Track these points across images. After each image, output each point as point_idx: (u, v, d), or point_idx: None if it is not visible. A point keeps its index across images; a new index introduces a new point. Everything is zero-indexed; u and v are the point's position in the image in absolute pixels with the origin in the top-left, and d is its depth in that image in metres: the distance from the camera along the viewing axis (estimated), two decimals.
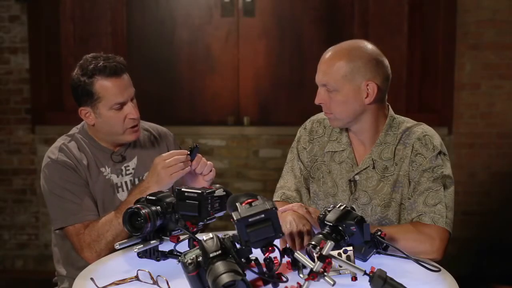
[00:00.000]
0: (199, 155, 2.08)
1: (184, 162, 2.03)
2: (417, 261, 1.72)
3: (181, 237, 1.82)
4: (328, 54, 2.02)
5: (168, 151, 2.33)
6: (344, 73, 1.97)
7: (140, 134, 2.23)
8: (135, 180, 2.24)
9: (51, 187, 2.14)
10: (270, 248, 1.54)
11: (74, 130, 2.27)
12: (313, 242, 1.63)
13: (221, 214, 1.85)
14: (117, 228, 2.03)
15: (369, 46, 2.02)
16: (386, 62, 2.03)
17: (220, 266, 1.45)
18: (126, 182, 2.24)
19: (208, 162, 2.11)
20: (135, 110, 2.16)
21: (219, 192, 1.83)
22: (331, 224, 1.68)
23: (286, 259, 1.67)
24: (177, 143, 2.41)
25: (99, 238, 2.05)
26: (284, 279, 1.60)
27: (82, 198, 2.12)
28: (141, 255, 1.83)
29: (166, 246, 1.82)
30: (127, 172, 2.24)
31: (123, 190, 2.22)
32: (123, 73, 2.15)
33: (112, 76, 2.12)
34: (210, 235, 1.52)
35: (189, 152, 2.05)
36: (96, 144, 2.22)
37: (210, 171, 2.10)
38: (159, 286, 1.63)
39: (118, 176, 2.22)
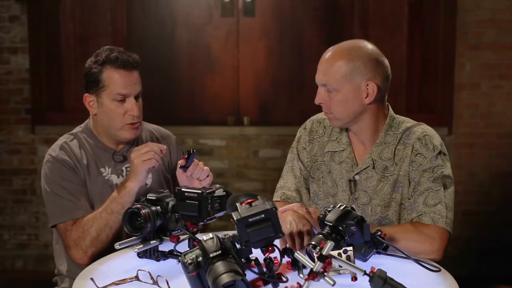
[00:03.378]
0: (196, 160, 2.10)
1: (157, 151, 2.06)
2: (417, 261, 1.72)
3: (181, 237, 1.82)
4: (328, 54, 2.02)
5: (170, 153, 2.34)
6: (344, 73, 1.97)
7: (138, 133, 2.24)
8: None
9: (48, 184, 2.15)
10: (270, 248, 1.54)
11: (78, 129, 2.28)
12: (313, 242, 1.63)
13: (221, 214, 1.85)
14: (100, 223, 2.04)
15: (369, 46, 2.02)
16: (386, 62, 2.03)
17: (220, 266, 1.45)
18: None
19: (205, 168, 2.12)
20: (136, 108, 2.17)
21: (219, 192, 1.83)
22: (331, 224, 1.68)
23: (286, 259, 1.67)
24: (179, 146, 2.41)
25: (84, 234, 2.05)
26: (284, 279, 1.60)
27: (78, 197, 2.13)
28: (141, 255, 1.83)
29: (166, 246, 1.83)
30: (127, 173, 2.24)
31: None
32: (134, 69, 2.18)
33: (122, 68, 2.15)
34: (210, 235, 1.52)
35: (186, 157, 2.06)
36: (98, 142, 2.23)
37: (207, 176, 2.11)
38: (159, 286, 1.63)
39: (118, 177, 2.22)
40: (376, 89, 1.99)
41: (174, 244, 1.79)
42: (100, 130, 2.23)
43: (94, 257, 2.03)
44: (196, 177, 2.10)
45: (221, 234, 1.54)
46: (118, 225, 2.04)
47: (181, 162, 2.09)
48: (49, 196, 2.15)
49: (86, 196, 2.16)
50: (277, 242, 1.58)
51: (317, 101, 2.05)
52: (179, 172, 2.13)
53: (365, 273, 1.52)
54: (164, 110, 4.41)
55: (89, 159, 2.20)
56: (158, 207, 1.79)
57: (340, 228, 1.68)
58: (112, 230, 2.04)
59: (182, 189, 1.80)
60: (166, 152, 2.31)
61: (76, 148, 2.20)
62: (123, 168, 2.24)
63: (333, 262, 1.54)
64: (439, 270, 1.72)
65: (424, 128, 2.06)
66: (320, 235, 1.67)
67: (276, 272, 1.60)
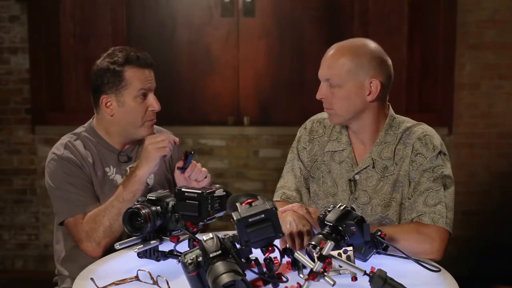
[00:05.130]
0: (194, 161, 2.11)
1: (172, 141, 2.09)
2: (417, 261, 1.72)
3: (181, 237, 1.82)
4: (332, 50, 2.03)
5: (171, 154, 2.35)
6: (348, 68, 1.98)
7: (153, 130, 2.26)
8: None
9: (54, 181, 2.15)
10: (270, 248, 1.55)
11: (81, 129, 2.28)
12: (313, 242, 1.63)
13: (221, 214, 1.85)
14: (112, 212, 2.05)
15: (373, 44, 2.04)
16: (390, 61, 2.05)
17: (220, 266, 1.45)
18: None
19: (203, 169, 2.14)
20: (156, 103, 2.22)
21: (219, 192, 1.83)
22: (331, 224, 1.68)
23: (286, 259, 1.67)
24: (180, 147, 2.42)
25: (96, 225, 2.06)
26: (284, 279, 1.60)
27: (85, 192, 2.14)
28: (141, 255, 1.83)
29: (166, 246, 1.83)
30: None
31: None
32: (151, 66, 2.22)
33: (143, 67, 2.18)
34: (210, 235, 1.52)
35: (184, 158, 2.07)
36: (103, 142, 2.23)
37: (205, 177, 2.13)
38: (159, 286, 1.63)
39: (122, 177, 2.22)
40: (380, 86, 1.99)
41: (174, 244, 1.79)
42: (112, 130, 2.22)
43: (107, 250, 2.04)
44: (193, 179, 2.12)
45: (221, 234, 1.54)
46: None
47: (179, 163, 2.11)
48: (56, 192, 2.15)
49: (93, 191, 2.17)
50: (277, 242, 1.59)
51: (318, 96, 2.05)
52: (177, 173, 2.15)
53: (365, 273, 1.52)
54: (164, 110, 4.35)
55: (94, 158, 2.21)
56: (158, 207, 1.79)
57: (340, 228, 1.68)
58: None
59: (182, 189, 1.80)
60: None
61: (81, 147, 2.21)
62: (127, 169, 2.24)
63: (333, 262, 1.54)
64: (439, 270, 1.72)
65: (424, 128, 2.06)
66: (320, 235, 1.66)
67: (276, 272, 1.60)
